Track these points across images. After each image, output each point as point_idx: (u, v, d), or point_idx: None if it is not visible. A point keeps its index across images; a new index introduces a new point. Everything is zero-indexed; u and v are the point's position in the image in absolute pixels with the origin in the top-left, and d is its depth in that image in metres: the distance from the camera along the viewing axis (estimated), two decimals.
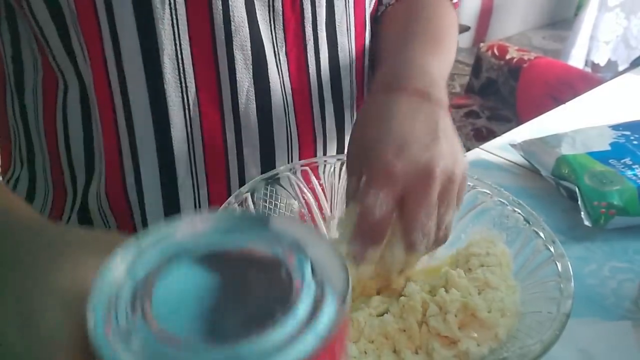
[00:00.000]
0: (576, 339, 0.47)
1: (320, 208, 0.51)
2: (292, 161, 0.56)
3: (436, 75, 0.48)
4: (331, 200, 0.52)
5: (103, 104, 0.49)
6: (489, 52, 1.94)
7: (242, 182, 0.55)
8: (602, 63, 2.47)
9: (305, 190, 0.50)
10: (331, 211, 0.52)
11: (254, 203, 0.47)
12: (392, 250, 0.41)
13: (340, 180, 0.51)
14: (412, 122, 0.42)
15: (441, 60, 0.52)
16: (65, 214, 0.57)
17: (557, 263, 0.41)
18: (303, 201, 0.50)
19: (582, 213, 0.60)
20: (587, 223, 0.60)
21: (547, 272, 0.41)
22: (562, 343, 0.36)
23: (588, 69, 2.43)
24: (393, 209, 0.39)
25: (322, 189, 0.51)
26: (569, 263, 0.41)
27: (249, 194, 0.47)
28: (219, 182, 0.54)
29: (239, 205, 0.46)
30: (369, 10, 0.59)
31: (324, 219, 0.51)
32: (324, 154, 0.59)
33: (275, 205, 0.49)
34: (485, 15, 3.62)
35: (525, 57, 1.86)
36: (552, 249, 0.43)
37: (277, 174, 0.49)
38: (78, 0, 0.45)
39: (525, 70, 1.83)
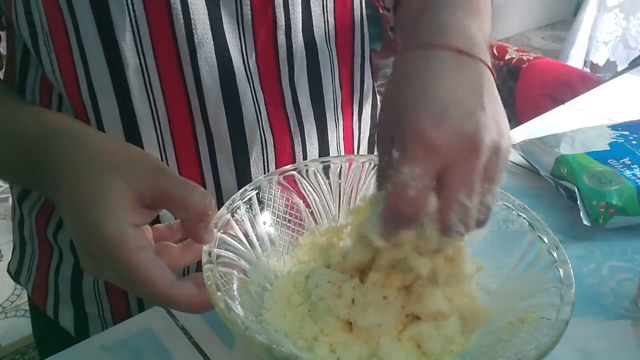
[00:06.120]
0: (575, 338, 0.47)
1: (325, 208, 0.51)
2: (268, 171, 0.54)
3: (478, 37, 0.42)
4: (337, 200, 0.52)
5: (79, 117, 0.49)
6: (488, 52, 1.94)
7: (218, 192, 0.54)
8: (601, 63, 2.47)
9: (311, 190, 0.50)
10: (336, 211, 0.52)
11: (259, 202, 0.47)
12: (425, 232, 0.36)
13: (348, 180, 0.51)
14: (454, 82, 0.37)
15: (481, 27, 0.46)
16: (53, 220, 0.58)
17: (560, 269, 0.41)
18: (307, 201, 0.50)
19: (581, 213, 0.61)
20: (586, 223, 0.60)
21: (549, 278, 0.41)
22: (561, 342, 0.36)
23: (587, 69, 2.43)
24: (431, 186, 0.34)
25: (330, 189, 0.51)
26: (571, 270, 0.41)
27: (254, 192, 0.47)
28: None
29: (244, 203, 0.46)
30: (363, 9, 0.57)
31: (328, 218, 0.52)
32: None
33: (280, 204, 0.49)
34: None
35: (525, 58, 1.86)
36: (555, 255, 0.42)
37: (285, 171, 0.49)
38: (49, 17, 0.45)
39: (525, 70, 1.83)
